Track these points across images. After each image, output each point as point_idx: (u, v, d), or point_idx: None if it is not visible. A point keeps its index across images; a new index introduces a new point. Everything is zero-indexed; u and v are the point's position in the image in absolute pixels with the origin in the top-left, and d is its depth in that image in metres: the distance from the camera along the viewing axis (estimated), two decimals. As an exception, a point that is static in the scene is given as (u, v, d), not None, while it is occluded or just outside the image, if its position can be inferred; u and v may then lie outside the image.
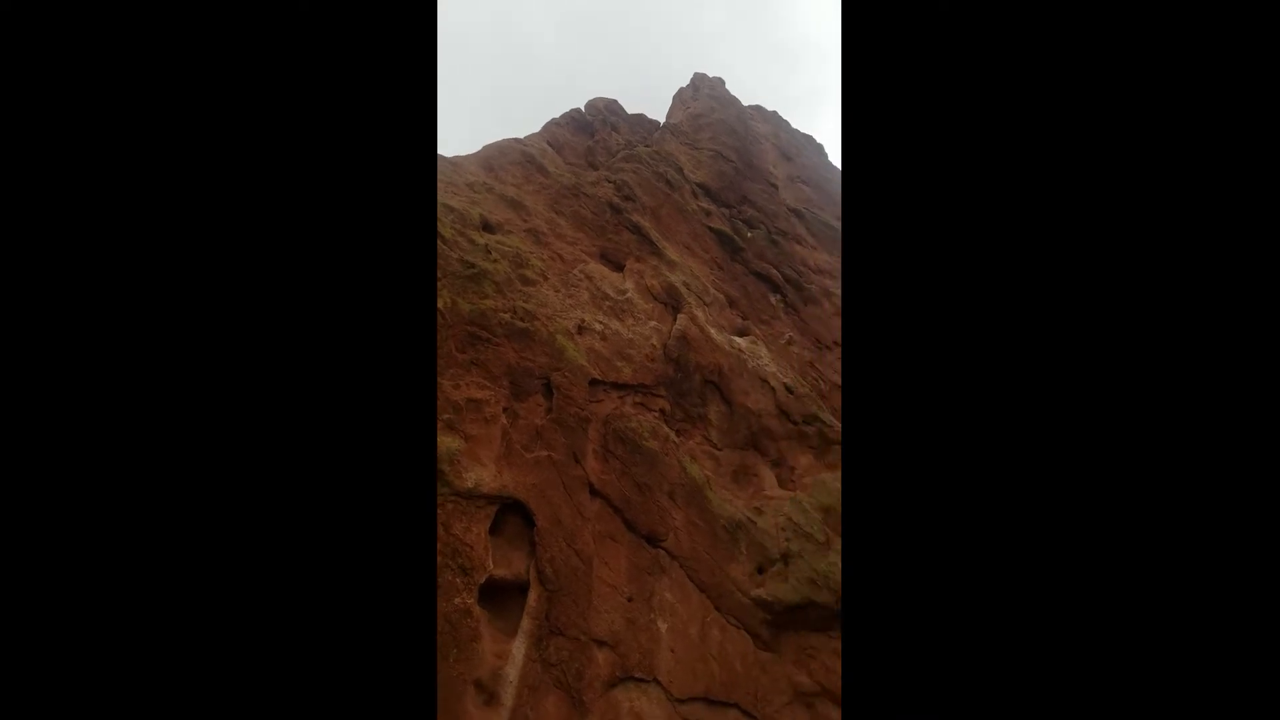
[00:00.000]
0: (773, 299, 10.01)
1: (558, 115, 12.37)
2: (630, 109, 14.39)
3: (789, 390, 7.62)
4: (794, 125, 17.19)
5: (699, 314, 7.49)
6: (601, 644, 5.08)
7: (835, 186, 16.09)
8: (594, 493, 5.72)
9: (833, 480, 6.90)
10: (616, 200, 8.93)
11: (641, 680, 5.08)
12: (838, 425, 7.83)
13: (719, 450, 6.74)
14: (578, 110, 12.85)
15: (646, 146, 11.17)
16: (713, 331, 7.40)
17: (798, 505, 6.40)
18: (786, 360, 8.55)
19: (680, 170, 10.90)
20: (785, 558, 5.93)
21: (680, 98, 15.47)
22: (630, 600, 5.36)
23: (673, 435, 6.38)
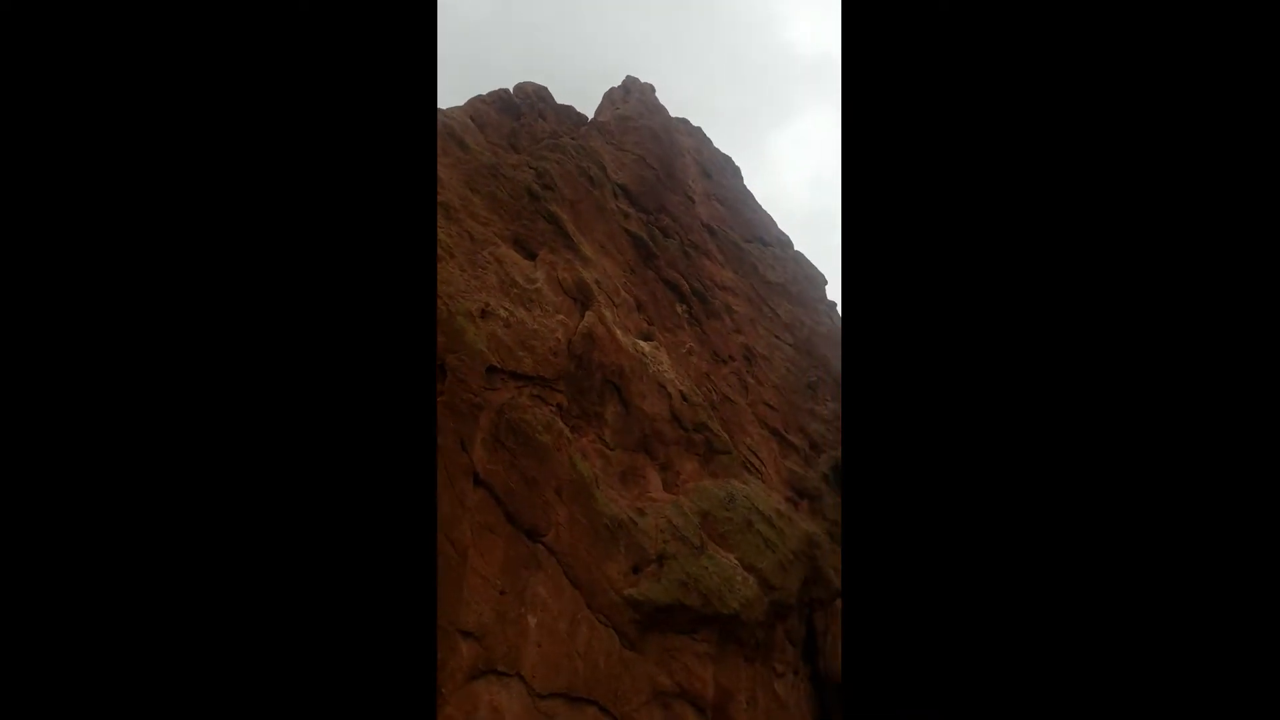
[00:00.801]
0: (679, 308, 10.24)
1: (484, 93, 11.98)
2: (559, 100, 14.22)
3: (684, 398, 7.82)
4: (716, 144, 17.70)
5: (608, 314, 7.51)
6: (467, 635, 4.94)
7: (748, 210, 16.75)
8: (478, 482, 5.56)
9: (714, 487, 7.16)
10: (536, 187, 8.78)
11: (504, 674, 4.99)
12: (725, 436, 8.12)
13: (611, 450, 6.78)
14: (506, 91, 12.51)
15: (572, 139, 11.09)
16: (619, 333, 7.45)
17: (679, 509, 6.57)
18: (685, 369, 8.77)
19: (603, 169, 10.91)
20: (661, 559, 6.06)
21: (610, 97, 15.49)
22: (502, 593, 5.26)
23: (567, 431, 6.34)
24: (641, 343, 8.07)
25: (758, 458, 9.06)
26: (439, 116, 9.37)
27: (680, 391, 7.83)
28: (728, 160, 17.78)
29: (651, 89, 16.08)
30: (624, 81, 16.04)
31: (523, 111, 12.23)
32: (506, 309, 6.78)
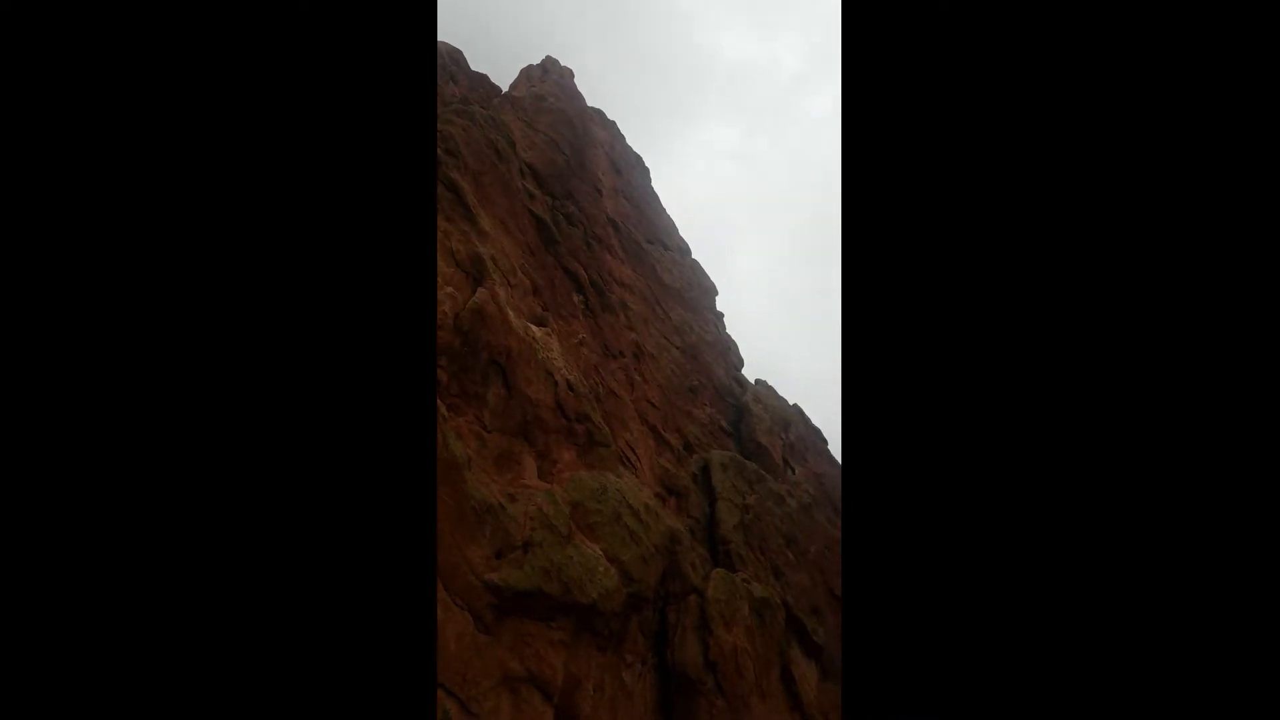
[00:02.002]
0: (575, 298, 10.21)
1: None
2: (474, 68, 13.64)
3: (570, 388, 7.81)
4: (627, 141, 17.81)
5: (501, 293, 7.33)
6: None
7: (653, 211, 17.01)
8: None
9: (589, 478, 7.21)
10: (439, 152, 8.38)
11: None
12: (606, 429, 8.21)
13: (488, 432, 6.63)
14: (418, 45, 11.81)
15: (483, 109, 10.69)
16: (511, 314, 7.29)
17: (550, 498, 6.55)
18: (575, 359, 8.76)
19: (513, 145, 10.62)
20: (526, 545, 6.02)
21: (528, 74, 15.11)
22: (354, 570, 4.98)
23: (444, 409, 6.12)
24: (533, 327, 7.95)
25: (634, 453, 9.25)
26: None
27: (567, 380, 7.81)
28: (639, 159, 17.96)
29: (570, 74, 15.88)
30: (543, 61, 15.71)
31: (434, 71, 11.64)
32: (392, 274, 6.40)
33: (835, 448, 18.51)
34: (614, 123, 17.40)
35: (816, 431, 18.01)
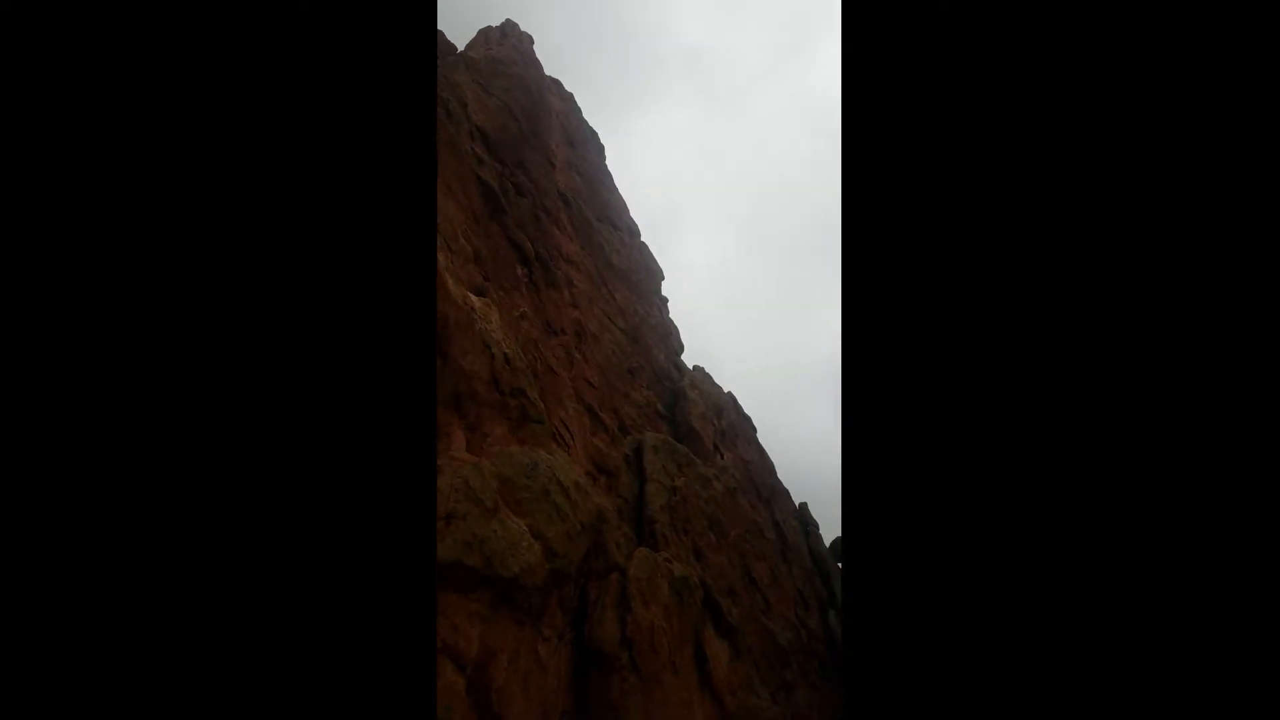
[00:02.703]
0: (519, 270, 10.04)
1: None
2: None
3: (508, 361, 7.72)
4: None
5: (441, 258, 7.13)
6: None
7: (605, 189, 16.85)
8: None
9: (520, 454, 7.18)
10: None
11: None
12: (541, 405, 8.17)
13: (417, 400, 6.49)
14: (370, -11, 11.18)
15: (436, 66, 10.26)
16: (450, 281, 7.11)
17: (478, 471, 6.50)
18: (515, 332, 8.65)
19: (464, 106, 10.27)
20: (449, 517, 5.97)
21: (486, 35, 14.58)
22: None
23: (371, 372, 5.94)
24: (473, 296, 7.79)
25: (568, 430, 9.26)
26: None
27: (505, 354, 7.72)
28: (594, 134, 17.72)
29: (530, 40, 15.43)
30: (503, 24, 15.19)
31: (385, 18, 11.05)
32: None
33: (763, 435, 19.09)
34: (571, 95, 17.07)
35: (747, 419, 18.51)
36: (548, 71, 15.90)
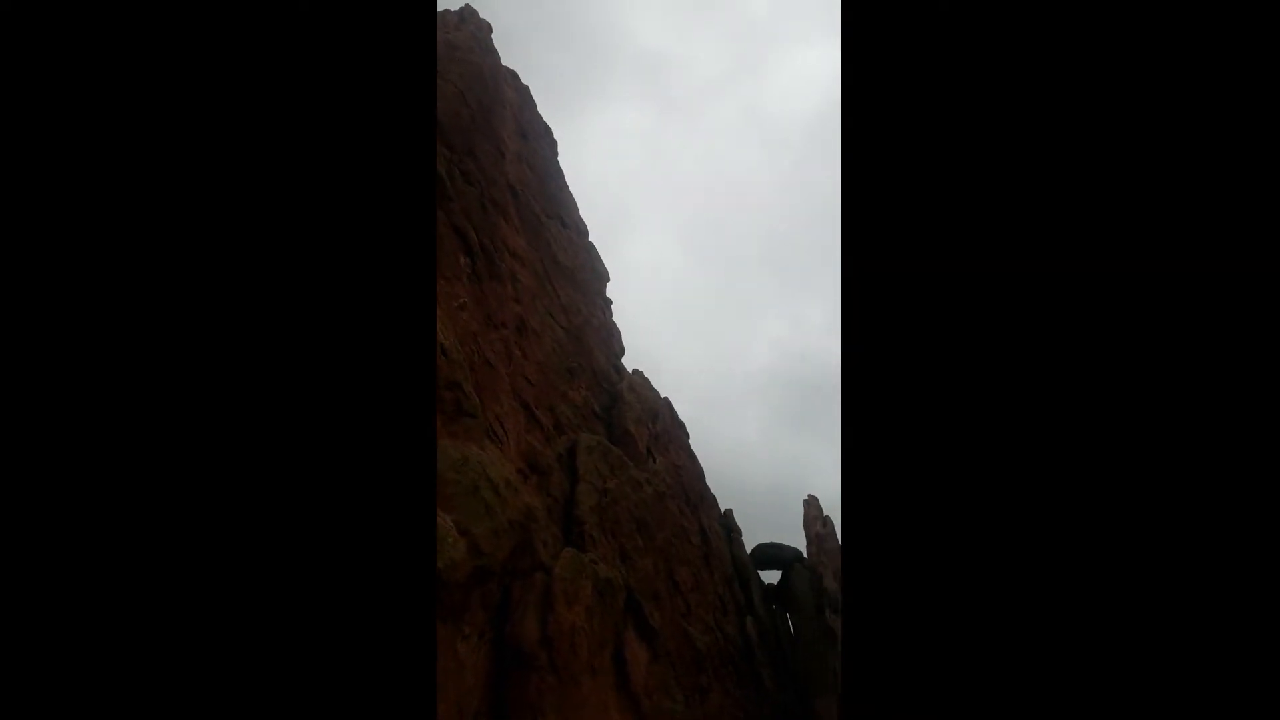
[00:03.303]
0: (462, 260, 9.85)
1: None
2: None
3: (444, 353, 7.56)
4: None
5: (379, 242, 6.91)
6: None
7: (555, 185, 16.74)
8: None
9: (451, 448, 7.05)
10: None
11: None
12: (476, 400, 8.04)
13: (345, 387, 6.27)
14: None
15: (389, 43, 9.94)
16: (387, 266, 6.91)
17: (407, 463, 6.34)
18: (454, 323, 8.48)
19: (416, 89, 9.99)
20: (374, 510, 5.80)
21: (443, 19, 14.24)
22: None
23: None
24: (411, 284, 7.59)
25: (503, 427, 9.15)
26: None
27: (442, 345, 7.56)
28: (547, 130, 17.58)
29: (489, 28, 15.17)
30: (462, 9, 14.88)
31: None
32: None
33: (695, 441, 19.42)
34: (527, 88, 16.88)
35: (681, 425, 18.79)
36: (504, 61, 15.67)
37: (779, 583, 18.67)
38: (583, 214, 18.18)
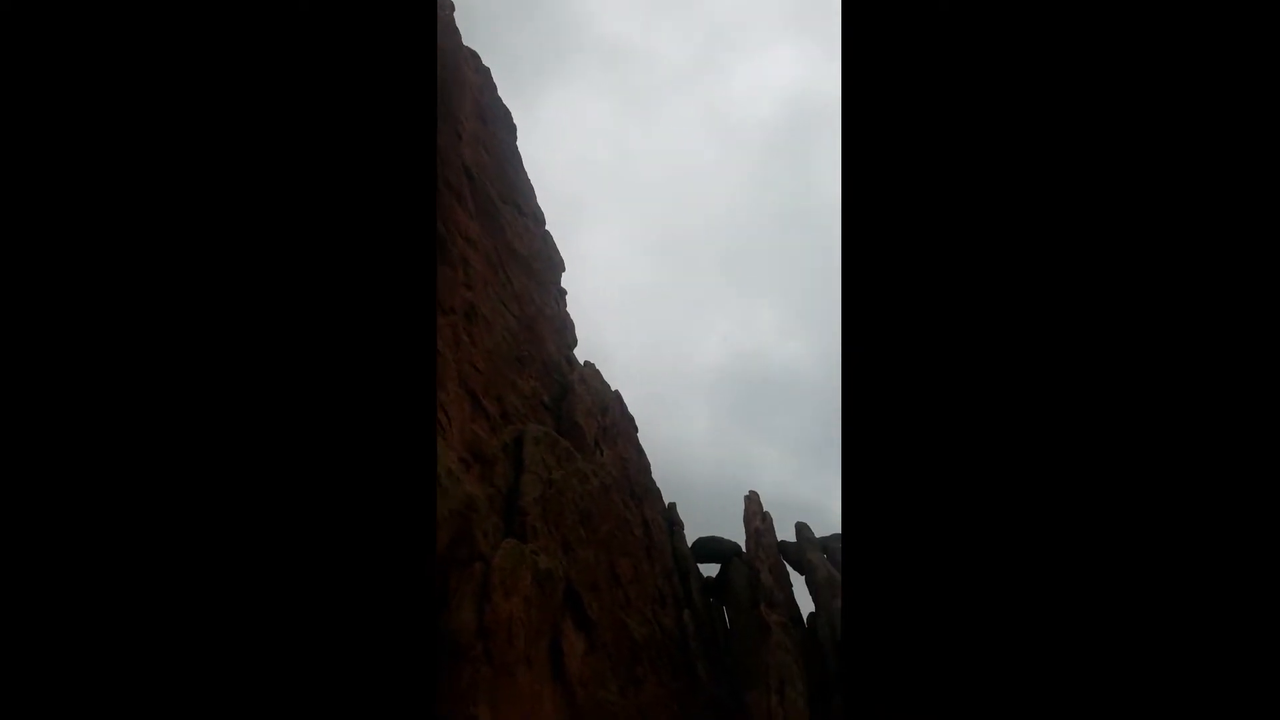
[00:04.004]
0: (410, 243, 9.62)
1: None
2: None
3: (386, 336, 7.40)
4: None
5: (324, 220, 6.69)
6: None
7: (513, 170, 16.49)
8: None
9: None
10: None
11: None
12: (418, 386, 7.90)
13: (282, 368, 6.06)
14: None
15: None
16: (331, 245, 6.70)
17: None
18: (397, 307, 8.29)
19: (371, 62, 9.67)
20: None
21: (406, -11, 13.80)
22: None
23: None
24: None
25: (446, 415, 9.01)
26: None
27: (384, 329, 7.39)
28: (507, 114, 17.30)
29: (451, 7, 14.80)
30: (426, -19, 14.43)
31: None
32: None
33: (643, 435, 19.58)
34: (488, 70, 16.55)
35: (630, 418, 18.90)
36: (466, 42, 15.32)
37: (717, 576, 19.06)
38: (540, 202, 17.98)
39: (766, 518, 20.17)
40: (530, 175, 17.74)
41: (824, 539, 20.27)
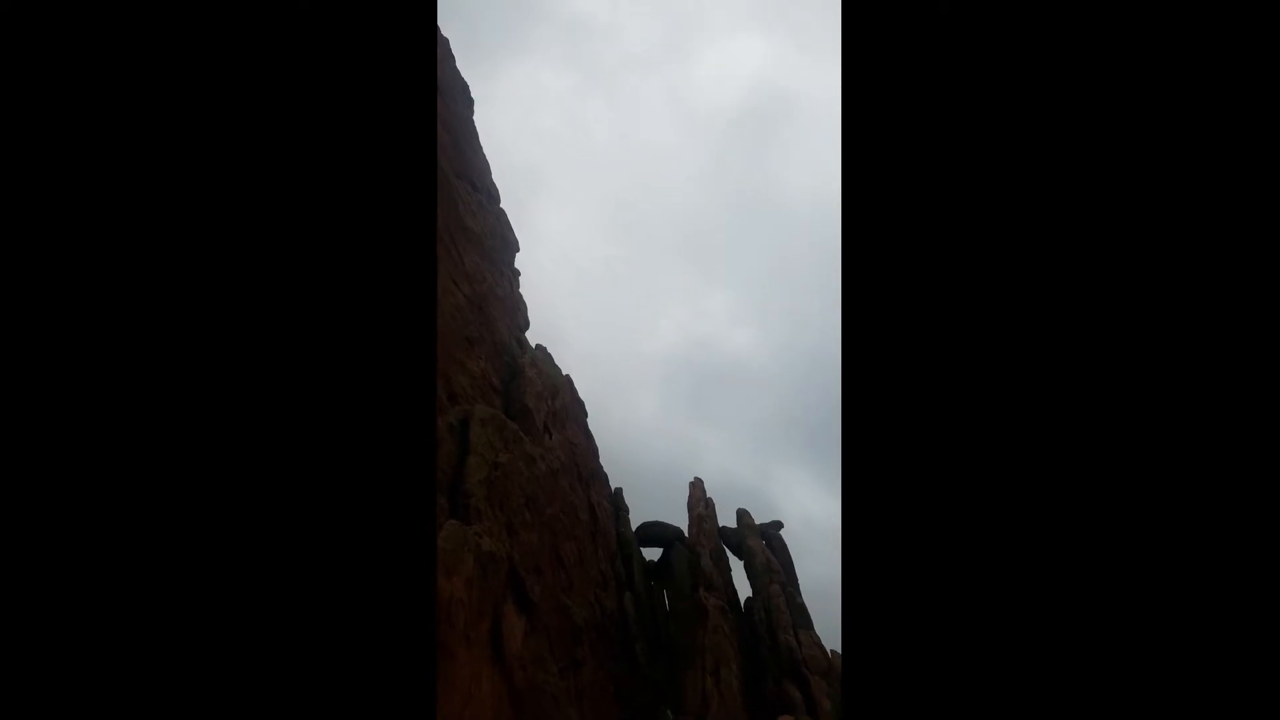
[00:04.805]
0: (358, 214, 9.29)
1: None
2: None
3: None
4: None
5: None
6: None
7: (469, 146, 16.08)
8: None
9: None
10: None
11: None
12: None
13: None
14: None
15: None
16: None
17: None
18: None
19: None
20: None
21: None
22: None
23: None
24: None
25: (391, 393, 8.81)
26: None
27: (329, 302, 7.14)
28: (465, 87, 16.84)
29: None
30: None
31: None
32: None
33: (593, 419, 19.63)
34: (447, 40, 16.04)
35: (580, 403, 18.90)
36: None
37: (659, 560, 19.38)
38: (496, 177, 17.62)
39: (709, 504, 20.60)
40: (487, 148, 17.34)
41: (763, 525, 20.87)
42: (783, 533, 21.15)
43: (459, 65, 16.48)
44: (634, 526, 19.58)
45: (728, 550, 19.91)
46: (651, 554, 19.62)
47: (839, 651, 16.15)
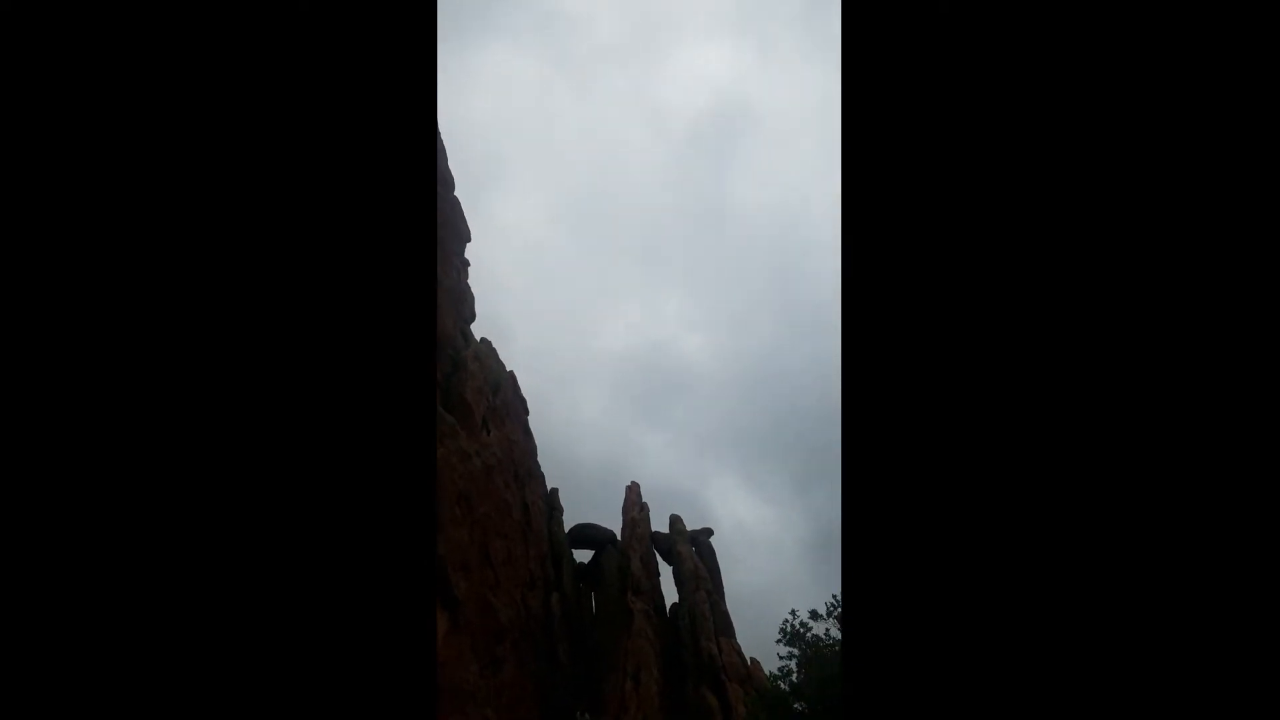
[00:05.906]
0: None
1: None
2: None
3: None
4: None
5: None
6: None
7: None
8: None
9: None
10: None
11: None
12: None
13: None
14: None
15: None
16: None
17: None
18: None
19: None
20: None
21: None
22: None
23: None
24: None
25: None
26: None
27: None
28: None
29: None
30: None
31: None
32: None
33: (535, 417, 19.48)
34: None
35: (522, 400, 18.73)
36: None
37: (590, 562, 19.43)
38: (453, 164, 17.28)
39: (644, 508, 20.78)
40: (445, 130, 16.98)
41: (694, 532, 21.21)
42: (713, 539, 21.56)
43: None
44: (568, 526, 19.55)
45: (658, 555, 20.14)
46: (583, 555, 19.64)
47: (757, 660, 16.59)
